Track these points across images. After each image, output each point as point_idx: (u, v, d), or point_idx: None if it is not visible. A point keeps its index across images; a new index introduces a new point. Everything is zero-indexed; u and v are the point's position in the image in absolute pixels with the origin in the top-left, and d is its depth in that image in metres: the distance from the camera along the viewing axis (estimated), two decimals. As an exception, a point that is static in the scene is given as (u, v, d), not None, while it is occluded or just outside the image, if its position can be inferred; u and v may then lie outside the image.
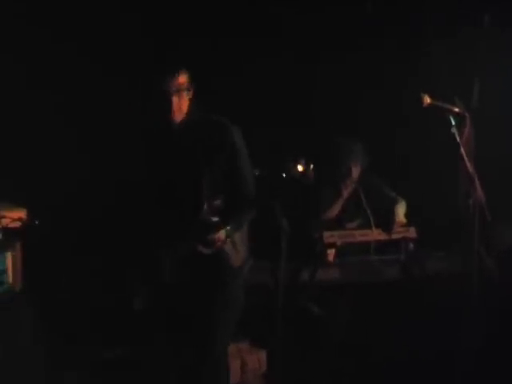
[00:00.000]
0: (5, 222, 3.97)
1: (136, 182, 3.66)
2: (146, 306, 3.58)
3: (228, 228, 3.40)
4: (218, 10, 5.08)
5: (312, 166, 3.41)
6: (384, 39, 5.23)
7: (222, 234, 3.40)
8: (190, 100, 3.54)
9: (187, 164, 3.50)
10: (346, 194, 4.85)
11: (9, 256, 3.94)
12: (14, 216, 4.01)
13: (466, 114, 3.91)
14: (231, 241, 3.47)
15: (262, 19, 5.14)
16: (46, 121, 4.71)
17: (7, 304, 3.88)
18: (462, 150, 3.81)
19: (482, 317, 3.98)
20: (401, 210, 4.74)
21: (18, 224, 4.02)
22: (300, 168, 3.39)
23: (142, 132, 3.66)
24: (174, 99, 3.46)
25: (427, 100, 3.80)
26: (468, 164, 3.83)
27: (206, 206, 3.29)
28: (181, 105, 3.49)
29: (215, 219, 3.34)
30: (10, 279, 3.93)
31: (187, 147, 3.52)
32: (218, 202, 3.32)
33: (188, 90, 3.50)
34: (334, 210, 4.82)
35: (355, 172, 4.80)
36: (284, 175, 3.40)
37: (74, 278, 4.59)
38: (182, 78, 3.48)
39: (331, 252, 4.45)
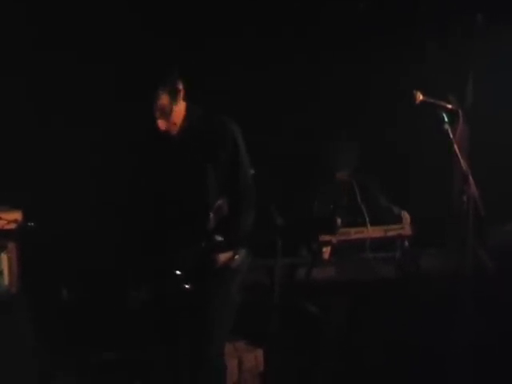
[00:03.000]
0: (0, 223, 3.98)
1: (138, 183, 3.66)
2: (141, 303, 3.58)
3: (235, 253, 3.43)
4: (215, 10, 5.08)
5: None
6: (377, 36, 5.23)
7: (227, 255, 3.44)
8: (185, 106, 3.52)
9: (190, 164, 3.50)
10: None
11: (4, 258, 3.95)
12: (10, 218, 4.01)
13: (459, 111, 3.91)
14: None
15: (255, 19, 5.15)
16: (43, 122, 4.71)
17: (3, 305, 3.88)
18: (456, 146, 3.82)
19: (477, 312, 3.98)
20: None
21: (13, 226, 4.02)
22: None
23: (142, 136, 3.67)
24: (160, 122, 3.44)
25: (420, 97, 3.80)
26: (461, 160, 3.83)
27: (211, 216, 3.30)
28: (172, 121, 3.47)
29: (219, 238, 3.36)
30: (6, 281, 3.94)
31: (189, 147, 3.52)
32: (220, 203, 3.33)
33: (175, 103, 3.46)
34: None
35: (349, 171, 4.84)
36: None
37: (69, 280, 4.59)
38: (165, 99, 3.42)
39: (327, 250, 4.47)
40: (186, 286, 3.42)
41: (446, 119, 3.82)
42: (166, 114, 3.44)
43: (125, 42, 4.77)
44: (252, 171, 3.65)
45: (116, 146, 4.46)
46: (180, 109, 3.50)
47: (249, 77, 5.08)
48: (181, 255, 3.42)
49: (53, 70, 4.71)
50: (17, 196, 4.15)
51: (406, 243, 4.57)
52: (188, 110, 3.54)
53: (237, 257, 3.48)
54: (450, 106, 3.89)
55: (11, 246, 4.00)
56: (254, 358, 4.45)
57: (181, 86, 3.49)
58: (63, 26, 4.74)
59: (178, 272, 3.41)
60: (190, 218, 3.46)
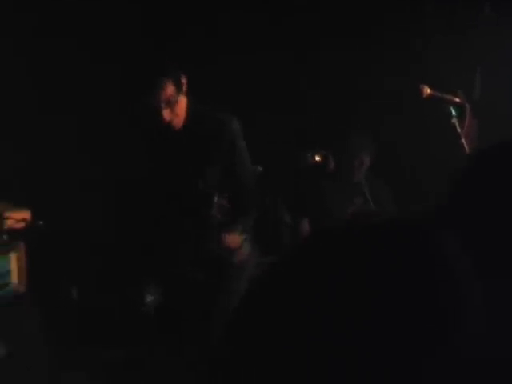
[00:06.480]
0: (9, 223, 3.98)
1: (139, 182, 3.65)
2: (157, 305, 3.58)
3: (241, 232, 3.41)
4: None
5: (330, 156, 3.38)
6: (383, 28, 5.19)
7: (235, 237, 3.42)
8: (187, 99, 3.49)
9: (188, 164, 3.49)
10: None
11: (13, 257, 3.95)
12: (18, 217, 4.01)
13: (467, 105, 3.87)
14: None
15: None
16: (47, 121, 4.71)
17: (12, 305, 3.89)
18: (463, 140, 3.78)
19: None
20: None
21: (22, 225, 4.02)
22: (318, 158, 3.36)
23: (142, 133, 3.65)
24: (165, 112, 3.35)
25: (427, 91, 3.76)
26: (469, 155, 3.80)
27: (215, 201, 3.26)
28: (176, 113, 3.40)
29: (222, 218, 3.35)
30: (15, 280, 3.94)
31: (187, 147, 3.50)
32: (223, 202, 3.32)
33: (180, 95, 3.39)
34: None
35: (366, 163, 4.82)
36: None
37: (78, 279, 4.59)
38: (170, 88, 3.34)
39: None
40: (199, 277, 3.42)
41: (453, 113, 3.78)
42: (172, 103, 3.35)
43: (124, 40, 4.77)
44: (260, 168, 3.63)
45: (124, 143, 4.46)
46: (183, 102, 3.45)
47: (254, 64, 5.06)
48: (186, 246, 3.42)
49: (59, 67, 4.71)
50: (25, 195, 4.15)
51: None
52: (188, 106, 3.51)
53: (244, 243, 3.45)
54: (457, 100, 3.85)
55: (20, 245, 4.00)
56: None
57: (184, 80, 3.44)
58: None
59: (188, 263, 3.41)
60: (191, 213, 3.45)
